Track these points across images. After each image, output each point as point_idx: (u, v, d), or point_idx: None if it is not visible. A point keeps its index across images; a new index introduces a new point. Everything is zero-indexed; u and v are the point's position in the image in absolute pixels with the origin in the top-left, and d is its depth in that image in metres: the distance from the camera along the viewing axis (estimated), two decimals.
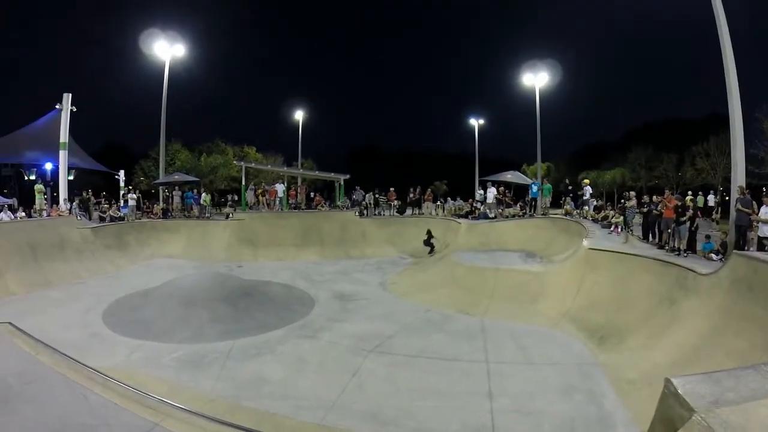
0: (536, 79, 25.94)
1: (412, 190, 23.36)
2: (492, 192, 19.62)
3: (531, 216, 18.57)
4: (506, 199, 20.18)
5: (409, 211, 22.94)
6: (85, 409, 3.96)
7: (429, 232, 18.24)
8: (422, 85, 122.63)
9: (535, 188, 19.18)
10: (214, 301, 11.19)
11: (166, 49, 24.15)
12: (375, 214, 22.88)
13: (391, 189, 24.21)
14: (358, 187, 24.48)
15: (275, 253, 18.66)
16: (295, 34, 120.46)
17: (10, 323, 6.60)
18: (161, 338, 9.11)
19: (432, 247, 17.98)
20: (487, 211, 19.27)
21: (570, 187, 19.35)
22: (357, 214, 22.08)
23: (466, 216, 20.50)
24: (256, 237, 19.78)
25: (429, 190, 24.05)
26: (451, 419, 5.68)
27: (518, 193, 21.87)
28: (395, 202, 23.63)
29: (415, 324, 9.81)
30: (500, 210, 19.42)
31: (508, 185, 20.75)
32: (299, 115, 37.02)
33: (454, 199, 25.35)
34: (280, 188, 24.38)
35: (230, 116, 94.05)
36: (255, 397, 6.38)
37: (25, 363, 5.09)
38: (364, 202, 23.16)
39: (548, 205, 19.18)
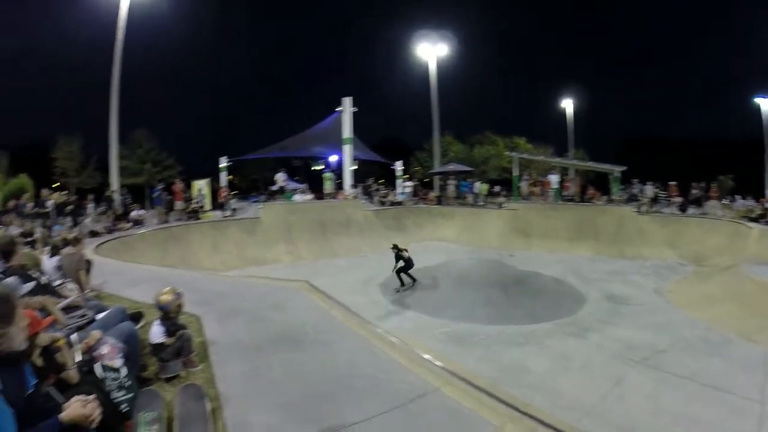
0: None
1: (695, 185, 21.56)
2: None
3: None
4: None
5: (691, 210, 21.14)
6: (373, 362, 4.21)
7: (396, 248, 13.25)
8: (703, 63, 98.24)
9: None
10: (486, 285, 11.77)
11: (432, 51, 29.36)
12: (654, 211, 22.01)
13: (672, 183, 22.80)
14: (635, 180, 23.96)
15: (547, 244, 19.13)
16: (564, 22, 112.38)
17: (307, 282, 7.55)
18: (432, 313, 9.81)
19: (401, 279, 12.77)
20: None
21: None
22: (635, 210, 21.82)
23: (756, 220, 17.98)
24: (529, 227, 20.44)
25: (715, 185, 21.46)
26: None
27: None
28: (677, 199, 22.19)
29: (690, 341, 8.93)
30: None
31: None
32: (568, 105, 37.26)
33: (743, 197, 21.79)
34: (554, 179, 24.91)
35: (499, 108, 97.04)
36: (514, 385, 6.39)
37: (320, 315, 5.68)
38: (642, 198, 22.69)
39: None
